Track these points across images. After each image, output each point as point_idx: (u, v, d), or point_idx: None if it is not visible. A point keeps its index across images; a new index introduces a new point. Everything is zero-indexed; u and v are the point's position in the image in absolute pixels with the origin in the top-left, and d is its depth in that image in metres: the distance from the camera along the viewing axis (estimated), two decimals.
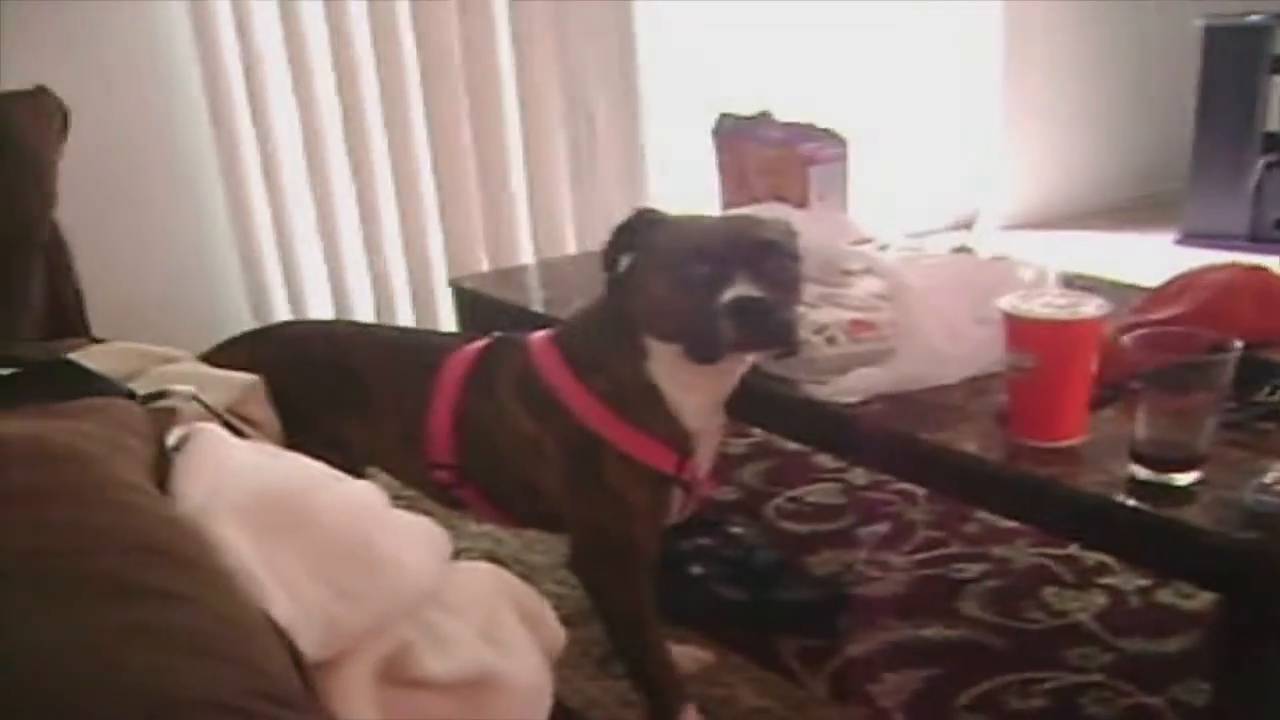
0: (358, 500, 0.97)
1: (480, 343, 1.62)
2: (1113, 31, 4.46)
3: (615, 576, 1.55)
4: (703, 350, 1.40)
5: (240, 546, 0.84)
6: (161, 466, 0.93)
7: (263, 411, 1.39)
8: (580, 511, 1.54)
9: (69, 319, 1.99)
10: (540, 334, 1.59)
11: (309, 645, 0.79)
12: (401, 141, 3.06)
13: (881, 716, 1.67)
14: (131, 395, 1.08)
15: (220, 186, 3.04)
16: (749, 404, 1.56)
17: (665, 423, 1.49)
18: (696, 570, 1.89)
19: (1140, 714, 1.65)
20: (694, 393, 1.49)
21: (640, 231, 1.47)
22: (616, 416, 1.48)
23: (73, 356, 1.24)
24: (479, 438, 1.57)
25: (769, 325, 1.38)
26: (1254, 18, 4.01)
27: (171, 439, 0.98)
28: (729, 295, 1.35)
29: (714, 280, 1.37)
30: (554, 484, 1.54)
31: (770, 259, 1.41)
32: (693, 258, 1.39)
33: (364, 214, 3.13)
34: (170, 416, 1.09)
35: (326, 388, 1.64)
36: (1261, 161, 4.07)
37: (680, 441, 1.50)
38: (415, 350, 1.67)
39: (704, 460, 1.55)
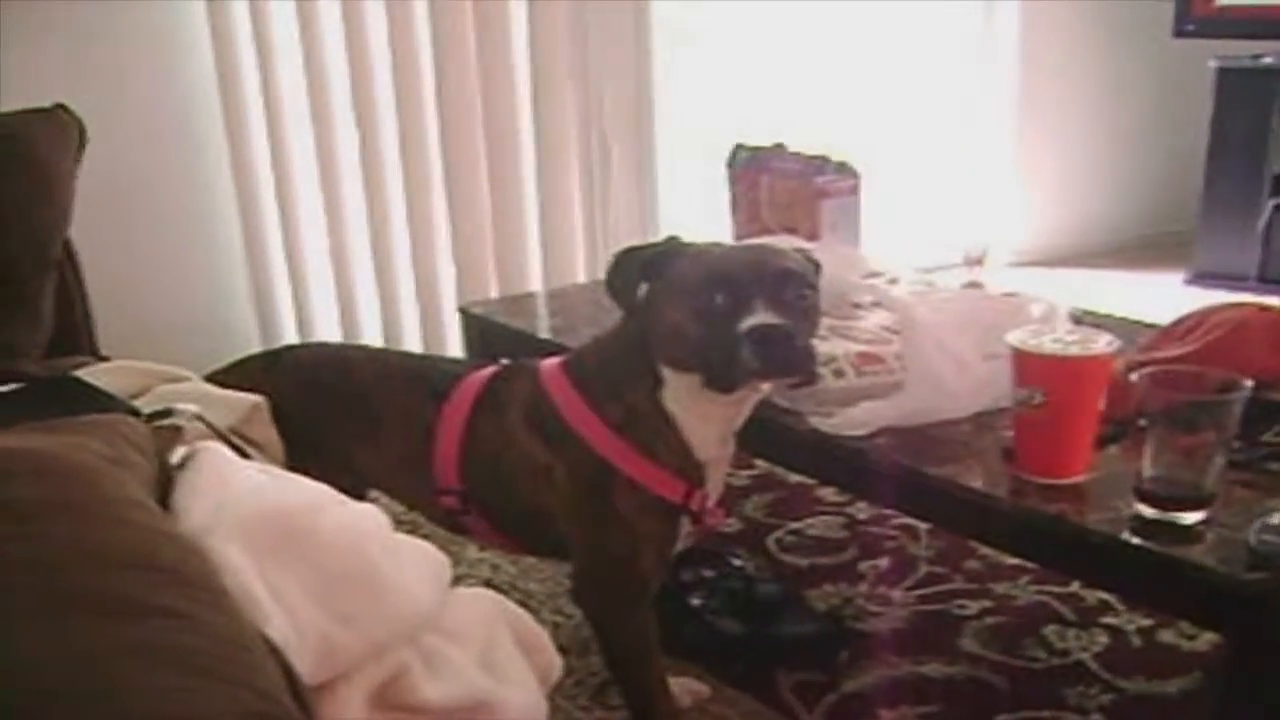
0: (360, 524, 0.97)
1: (490, 369, 1.61)
2: (1126, 71, 4.48)
3: (619, 605, 1.54)
4: (722, 378, 1.40)
5: (241, 566, 0.84)
6: (164, 484, 0.93)
7: (265, 433, 1.39)
8: (588, 539, 1.54)
9: (77, 337, 1.99)
10: (551, 360, 1.58)
11: (304, 667, 0.79)
12: (415, 166, 3.08)
13: None
14: (136, 413, 1.08)
15: (234, 208, 3.06)
16: (754, 435, 1.56)
17: (677, 453, 1.49)
18: (696, 601, 1.89)
19: None
20: (708, 422, 1.49)
21: (660, 260, 1.47)
22: (628, 445, 1.48)
23: (78, 374, 1.24)
24: (486, 463, 1.56)
25: (788, 354, 1.37)
26: (1267, 60, 4.02)
27: (175, 457, 0.98)
28: (749, 323, 1.35)
29: (734, 308, 1.37)
30: (562, 510, 1.53)
31: (790, 288, 1.41)
32: (713, 285, 1.39)
33: (376, 239, 3.14)
34: (174, 435, 1.09)
35: (335, 411, 1.64)
36: (1272, 203, 4.07)
37: (691, 471, 1.50)
38: (425, 375, 1.66)
39: (713, 490, 1.55)
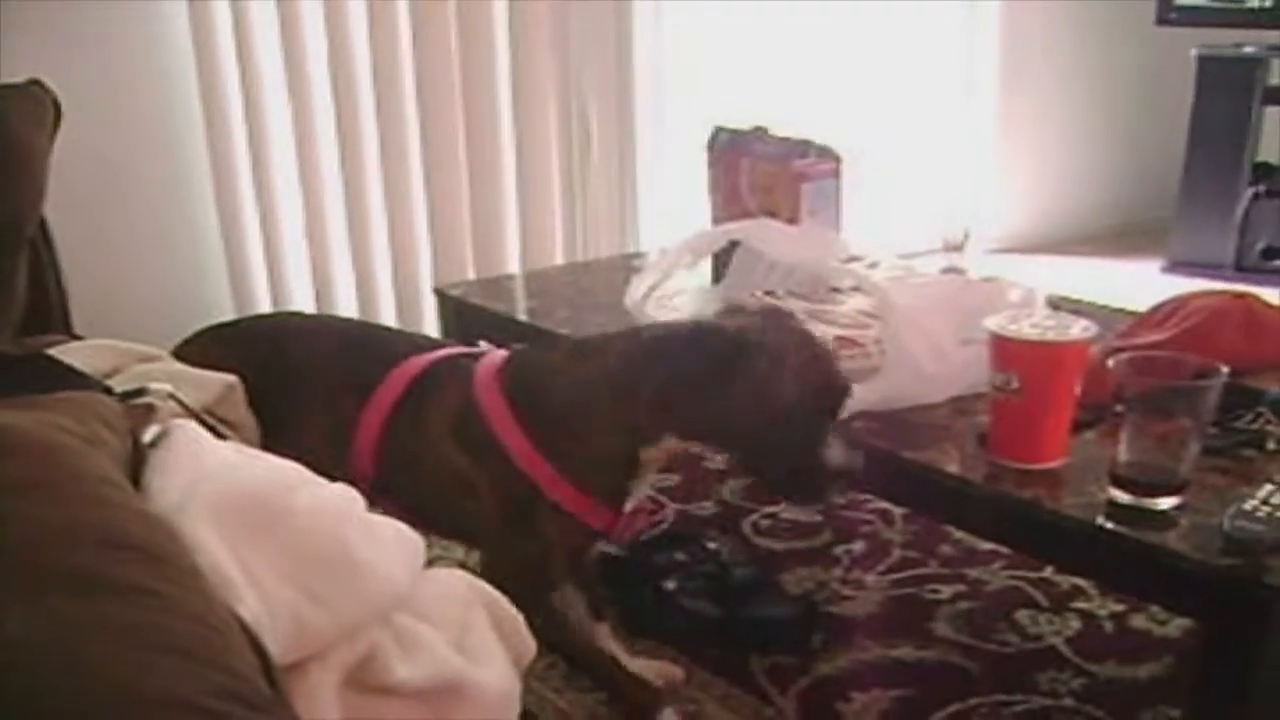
0: (334, 504, 0.96)
1: (425, 360, 1.55)
2: (1108, 59, 4.49)
3: (523, 601, 1.49)
4: (802, 495, 1.46)
5: (213, 545, 0.83)
6: (136, 462, 0.92)
7: (239, 412, 1.38)
8: (504, 544, 1.51)
9: (51, 316, 1.97)
10: (487, 364, 1.52)
11: (276, 647, 0.78)
12: (394, 148, 3.06)
13: None
14: (109, 391, 1.07)
15: (210, 186, 3.03)
16: None
17: (617, 489, 1.47)
18: (671, 585, 1.89)
19: None
20: (658, 466, 1.49)
21: (753, 339, 1.37)
22: (560, 474, 1.44)
23: (51, 352, 1.23)
24: (402, 462, 1.52)
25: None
26: (1248, 49, 4.04)
27: (148, 436, 0.98)
28: (844, 456, 1.37)
29: (824, 425, 1.37)
30: (479, 516, 1.50)
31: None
32: (820, 393, 1.37)
33: (353, 218, 3.12)
34: (147, 413, 1.08)
35: (269, 386, 1.54)
36: (1250, 191, 4.09)
37: (621, 501, 1.49)
38: (361, 358, 1.59)
39: (633, 501, 1.54)
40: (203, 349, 1.61)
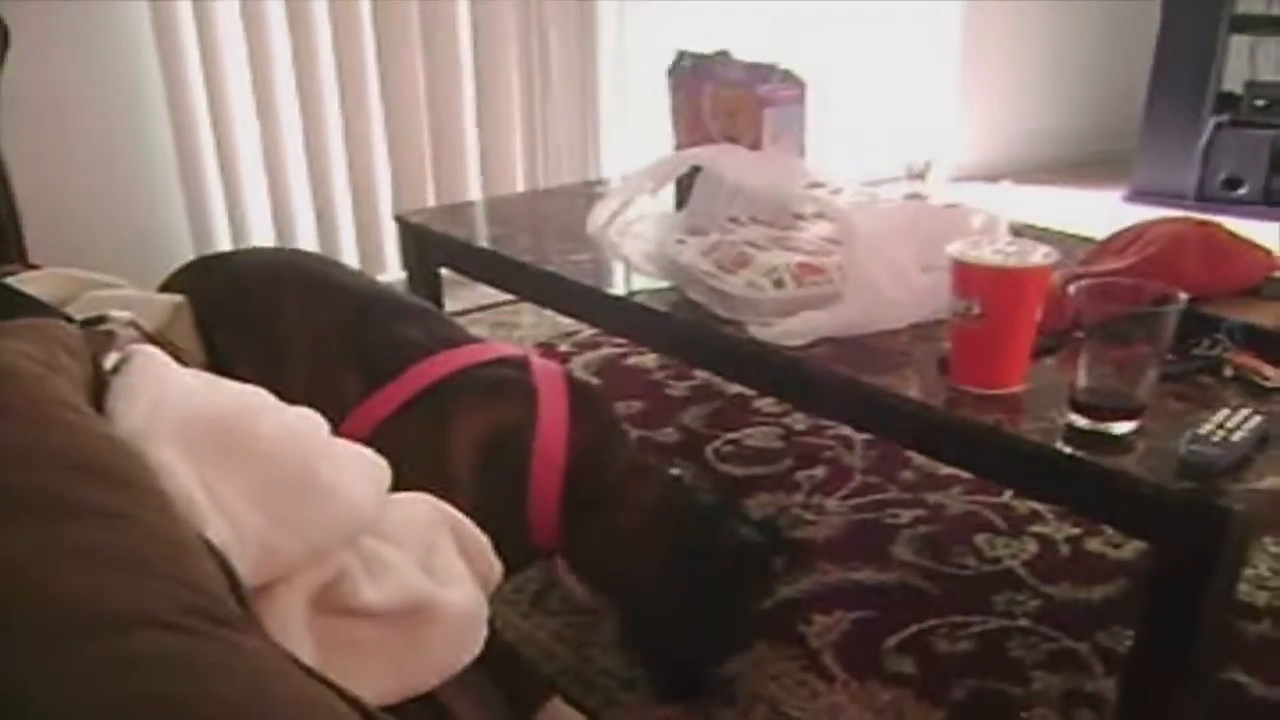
0: (299, 428, 0.96)
1: (457, 364, 1.38)
2: None
3: None
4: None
5: (178, 469, 0.83)
6: (99, 388, 0.91)
7: (187, 337, 1.37)
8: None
9: (6, 246, 1.94)
10: (555, 392, 1.38)
11: (244, 569, 0.79)
12: (351, 71, 3.02)
13: (810, 656, 1.69)
14: (69, 319, 1.06)
15: (165, 113, 2.97)
16: (692, 346, 1.56)
17: None
18: None
19: (1063, 658, 1.69)
20: None
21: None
22: (558, 538, 1.40)
23: (7, 281, 1.21)
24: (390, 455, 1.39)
25: None
26: None
27: (109, 362, 0.97)
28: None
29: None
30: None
31: None
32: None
33: (310, 144, 3.08)
34: (108, 340, 1.07)
35: (253, 333, 1.46)
36: (1214, 121, 4.11)
37: None
38: (375, 337, 1.42)
39: None
40: (193, 279, 1.57)
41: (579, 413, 1.38)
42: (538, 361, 1.44)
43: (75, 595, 0.61)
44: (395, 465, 1.16)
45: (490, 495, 1.31)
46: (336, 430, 1.25)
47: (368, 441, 1.29)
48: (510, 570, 1.14)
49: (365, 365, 1.38)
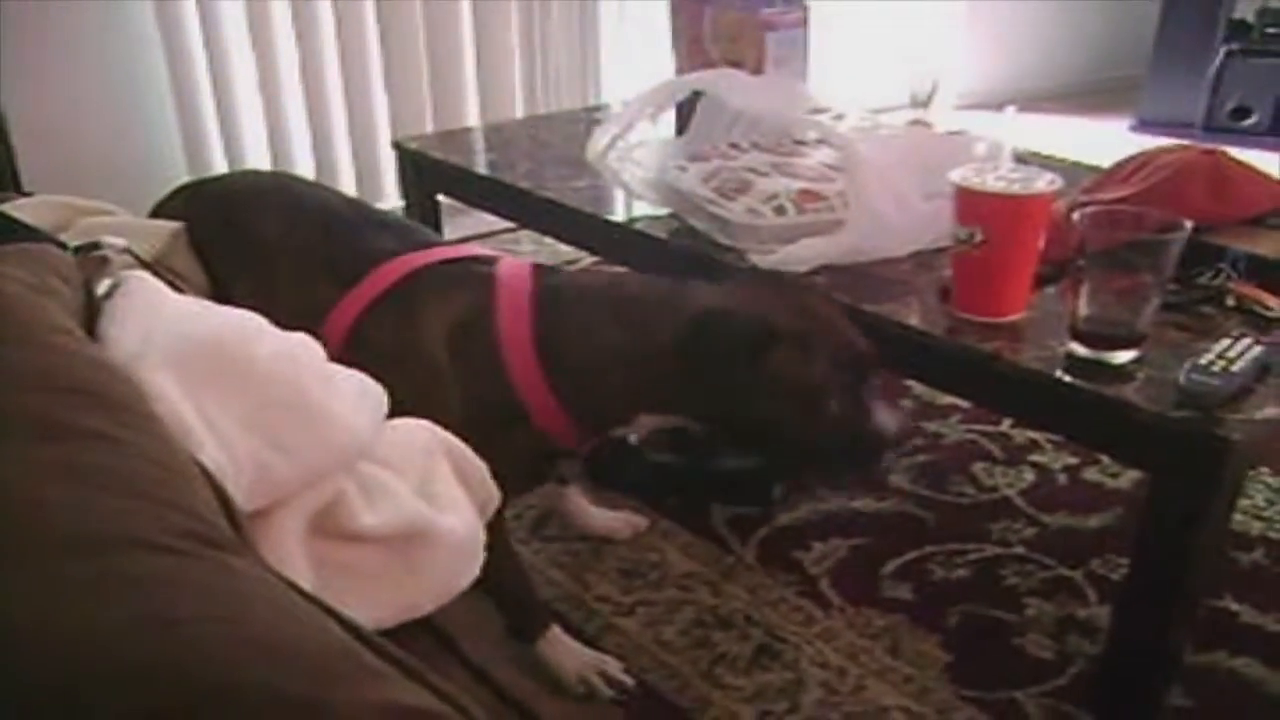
0: (294, 353, 0.95)
1: (421, 258, 1.41)
2: None
3: None
4: (854, 472, 1.46)
5: (172, 394, 0.82)
6: (91, 314, 0.90)
7: (187, 262, 1.36)
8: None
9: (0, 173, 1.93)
10: (514, 280, 1.38)
11: (239, 493, 0.78)
12: None
13: (808, 583, 1.70)
14: (62, 246, 1.05)
15: (160, 41, 2.92)
16: (695, 274, 1.55)
17: (606, 427, 1.42)
18: (634, 438, 1.90)
19: (1057, 586, 1.70)
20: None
21: (782, 325, 1.29)
22: (560, 407, 1.35)
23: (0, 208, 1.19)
24: (373, 355, 1.29)
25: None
26: None
27: (101, 288, 0.96)
28: (888, 420, 1.33)
29: (860, 397, 1.33)
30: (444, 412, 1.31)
31: None
32: (852, 366, 1.32)
33: (307, 70, 3.04)
34: (101, 265, 1.06)
35: (242, 251, 1.48)
36: (1224, 49, 4.05)
37: (605, 434, 1.45)
38: (349, 245, 1.45)
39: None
40: (185, 203, 1.55)
41: (543, 291, 1.37)
42: (508, 259, 1.44)
43: (60, 515, 0.61)
44: (377, 364, 1.14)
45: (473, 375, 1.34)
46: (321, 328, 1.28)
47: (345, 342, 1.35)
48: (523, 464, 1.25)
49: (335, 272, 1.42)
